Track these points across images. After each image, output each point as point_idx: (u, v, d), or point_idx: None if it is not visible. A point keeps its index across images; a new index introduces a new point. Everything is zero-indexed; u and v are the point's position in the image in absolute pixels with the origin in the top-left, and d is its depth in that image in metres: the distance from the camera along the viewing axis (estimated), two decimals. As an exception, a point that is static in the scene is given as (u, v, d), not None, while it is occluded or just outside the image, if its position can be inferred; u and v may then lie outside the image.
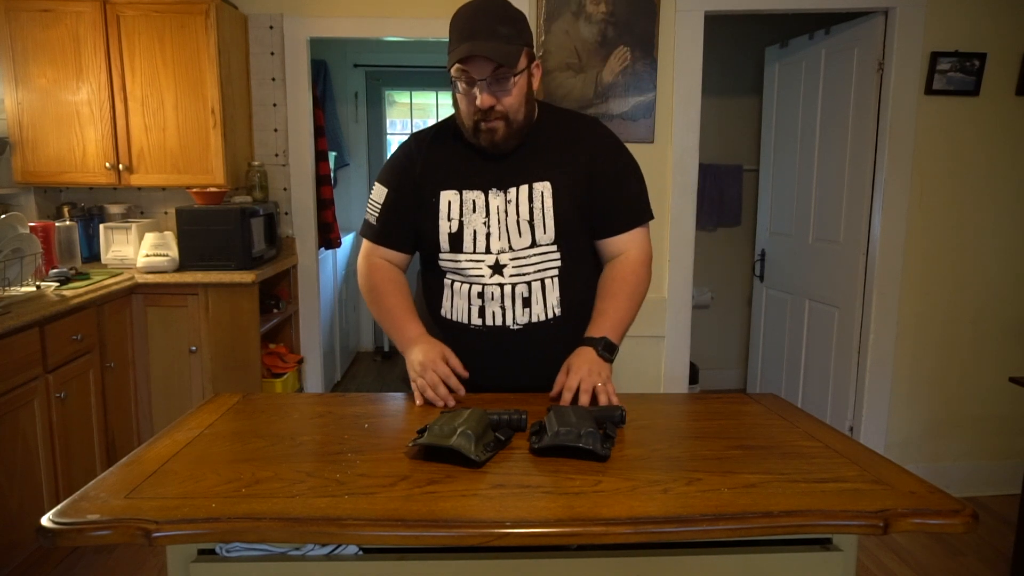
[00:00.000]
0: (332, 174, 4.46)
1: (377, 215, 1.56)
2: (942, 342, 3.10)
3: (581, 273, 1.54)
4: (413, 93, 5.52)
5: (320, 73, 4.90)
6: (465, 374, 1.46)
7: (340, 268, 4.78)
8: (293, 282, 3.56)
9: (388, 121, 5.52)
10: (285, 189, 3.50)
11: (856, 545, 1.06)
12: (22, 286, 2.54)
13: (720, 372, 4.67)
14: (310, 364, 3.63)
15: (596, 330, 1.47)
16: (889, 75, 2.92)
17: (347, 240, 4.98)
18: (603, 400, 1.36)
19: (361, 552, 1.01)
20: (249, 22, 3.37)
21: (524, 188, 1.48)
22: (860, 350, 3.13)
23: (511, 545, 0.95)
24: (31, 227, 2.73)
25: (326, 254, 4.20)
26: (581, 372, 1.39)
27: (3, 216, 2.53)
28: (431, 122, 5.54)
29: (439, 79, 5.37)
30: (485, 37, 1.36)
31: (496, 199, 1.48)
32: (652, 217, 1.58)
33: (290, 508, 0.96)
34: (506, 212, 1.47)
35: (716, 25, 3.35)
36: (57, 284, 2.70)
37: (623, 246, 1.55)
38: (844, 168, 3.18)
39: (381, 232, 1.56)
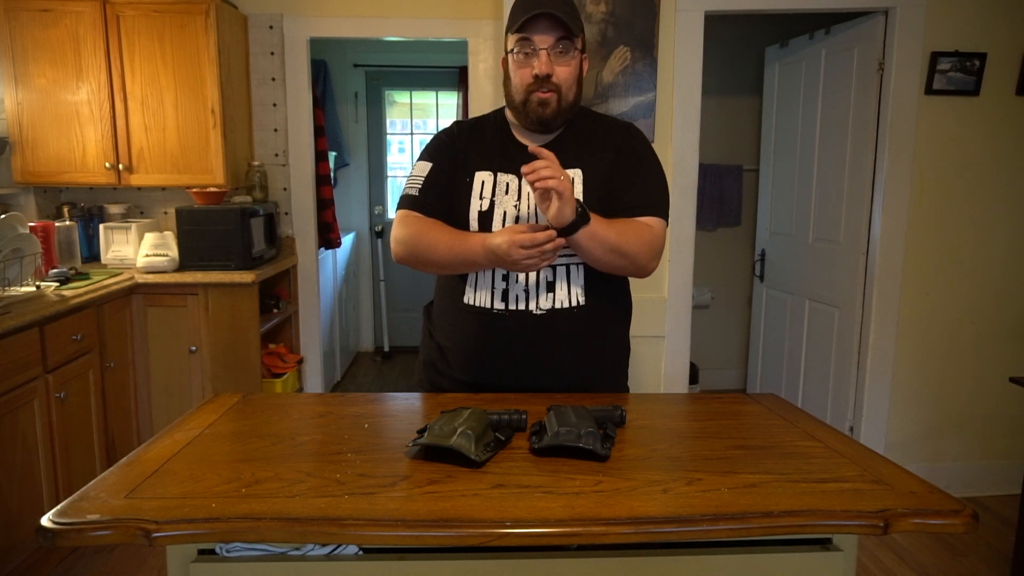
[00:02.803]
0: (332, 174, 4.46)
1: (420, 186, 1.54)
2: (942, 342, 3.10)
3: None
4: (413, 93, 5.52)
5: (320, 73, 4.91)
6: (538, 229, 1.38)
7: (340, 268, 4.78)
8: (293, 282, 3.56)
9: (388, 121, 5.51)
10: (285, 189, 3.50)
11: (856, 545, 1.06)
12: (22, 286, 2.54)
13: (720, 372, 4.67)
14: (310, 364, 3.64)
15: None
16: (889, 75, 2.92)
17: (347, 240, 4.98)
18: (546, 173, 1.30)
19: (361, 552, 1.01)
20: (249, 22, 3.37)
21: None
22: (860, 350, 3.13)
23: (511, 545, 0.95)
24: (31, 227, 2.73)
25: (326, 254, 4.20)
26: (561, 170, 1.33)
27: (3, 216, 2.53)
28: (431, 122, 5.57)
29: (439, 79, 5.37)
30: (552, 7, 1.42)
31: (528, 185, 1.48)
32: (663, 215, 1.54)
33: (290, 508, 0.96)
34: None
35: (716, 25, 3.34)
36: (57, 284, 2.70)
37: None
38: (844, 168, 3.18)
39: (423, 202, 1.53)
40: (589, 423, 1.17)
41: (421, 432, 1.16)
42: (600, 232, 1.39)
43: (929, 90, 2.91)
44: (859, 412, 3.14)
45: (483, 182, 1.51)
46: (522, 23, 1.43)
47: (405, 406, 1.45)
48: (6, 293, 2.46)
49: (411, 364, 5.38)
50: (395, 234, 1.53)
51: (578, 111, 1.57)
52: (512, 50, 1.47)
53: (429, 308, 1.68)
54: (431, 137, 1.64)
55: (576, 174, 1.49)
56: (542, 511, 0.96)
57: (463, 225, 1.51)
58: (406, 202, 1.54)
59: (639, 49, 2.88)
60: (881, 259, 3.01)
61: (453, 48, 4.66)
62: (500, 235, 1.37)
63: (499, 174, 1.51)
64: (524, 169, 1.32)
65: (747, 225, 4.50)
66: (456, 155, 1.55)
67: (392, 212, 5.57)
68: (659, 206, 1.53)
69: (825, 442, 1.24)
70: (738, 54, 4.34)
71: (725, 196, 4.46)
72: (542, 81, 1.44)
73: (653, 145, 3.13)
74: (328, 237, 4.15)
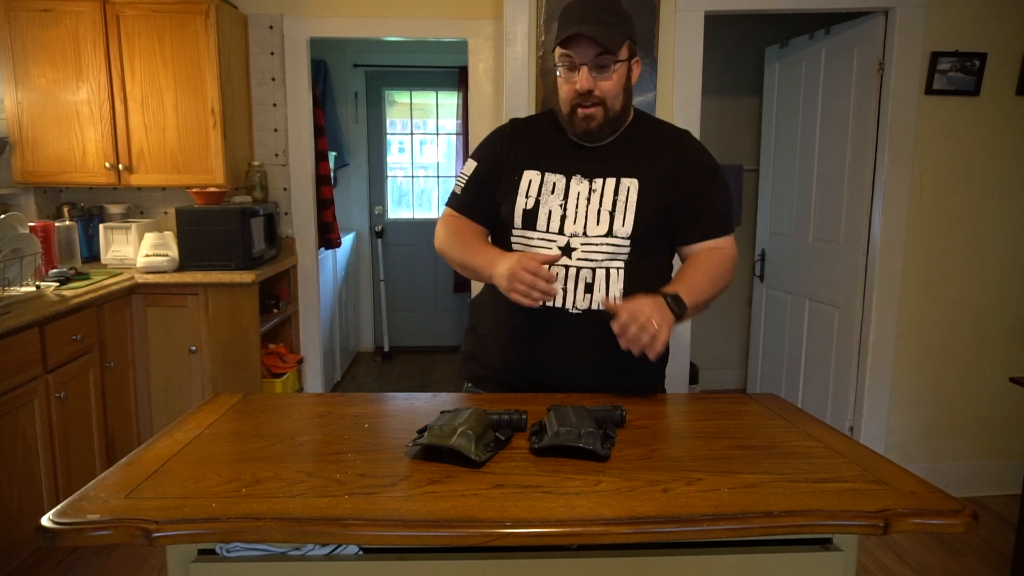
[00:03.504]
0: (332, 174, 4.46)
1: (464, 186, 1.61)
2: (942, 342, 3.10)
3: (648, 274, 1.53)
4: (413, 93, 5.52)
5: (320, 73, 4.90)
6: (552, 264, 1.43)
7: (340, 268, 4.78)
8: (293, 282, 3.56)
9: (388, 121, 5.52)
10: (285, 189, 3.50)
11: (856, 545, 1.06)
12: (22, 286, 2.54)
13: (720, 372, 4.67)
14: (310, 364, 3.64)
15: (670, 288, 1.42)
16: (889, 75, 2.92)
17: (347, 240, 4.99)
18: (646, 340, 1.31)
19: (361, 552, 1.01)
20: (249, 22, 3.37)
21: (611, 181, 1.51)
22: (860, 350, 3.13)
23: (511, 545, 0.95)
24: (31, 227, 2.73)
25: (326, 254, 4.20)
26: (644, 307, 1.33)
27: (3, 216, 2.53)
28: (431, 122, 5.57)
29: (439, 79, 5.37)
30: (591, 23, 1.42)
31: (579, 186, 1.51)
32: (733, 228, 1.57)
33: (290, 508, 0.96)
34: (588, 199, 1.50)
35: (716, 25, 3.35)
36: (57, 284, 2.70)
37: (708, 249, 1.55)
38: (844, 168, 3.18)
39: (465, 202, 1.60)
40: (589, 423, 1.17)
41: (421, 432, 1.16)
42: (698, 301, 1.43)
43: (929, 90, 2.91)
44: (859, 412, 3.14)
45: (530, 181, 1.54)
46: (563, 40, 1.45)
47: (405, 406, 1.45)
48: (6, 293, 2.46)
49: (411, 364, 5.38)
50: (438, 229, 1.62)
51: (634, 117, 1.58)
52: (556, 64, 1.49)
53: (474, 301, 1.72)
54: (488, 134, 1.66)
55: (632, 184, 1.50)
56: (542, 511, 0.96)
57: (508, 223, 1.54)
58: (452, 201, 1.63)
59: (639, 49, 2.88)
60: (881, 259, 3.01)
61: (453, 48, 4.66)
62: (504, 262, 1.39)
63: (547, 174, 1.53)
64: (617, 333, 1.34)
65: (747, 225, 4.50)
66: (505, 154, 1.58)
67: (392, 213, 5.59)
68: (729, 223, 1.57)
69: (825, 442, 1.24)
70: (738, 54, 4.33)
71: (725, 196, 4.46)
72: (584, 96, 1.46)
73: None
74: (328, 237, 4.15)
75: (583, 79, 1.44)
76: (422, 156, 5.65)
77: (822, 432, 1.29)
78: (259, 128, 3.45)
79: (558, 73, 1.50)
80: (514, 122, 1.66)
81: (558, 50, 1.47)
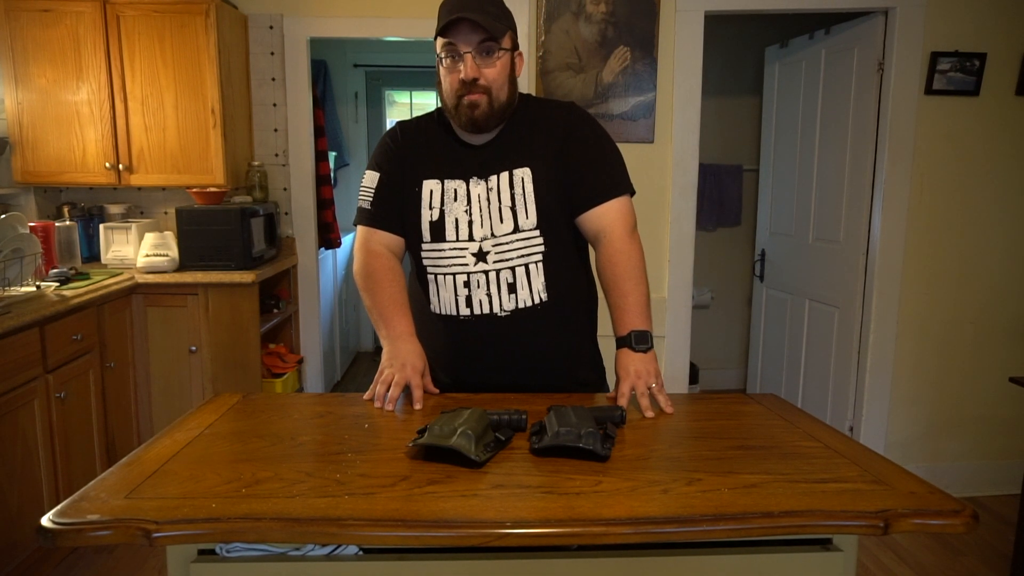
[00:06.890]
0: (332, 174, 4.46)
1: (371, 199, 1.56)
2: (942, 342, 3.10)
3: (565, 259, 1.54)
4: (413, 93, 5.52)
5: (320, 73, 4.90)
6: (435, 391, 1.49)
7: (340, 268, 4.78)
8: (293, 282, 3.56)
9: (388, 121, 5.51)
10: (285, 189, 3.49)
11: (856, 545, 1.06)
12: (22, 286, 2.54)
13: (720, 372, 4.67)
14: (310, 364, 3.63)
15: (621, 327, 1.46)
16: (889, 75, 2.92)
17: (347, 240, 4.98)
18: (661, 401, 1.39)
19: (361, 552, 1.01)
20: (249, 22, 3.36)
21: (504, 175, 1.49)
22: (860, 350, 3.13)
23: (511, 545, 0.95)
24: (31, 227, 2.73)
25: (326, 254, 4.20)
26: (629, 378, 1.40)
27: (3, 216, 2.53)
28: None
29: (439, 79, 5.36)
30: (472, 10, 1.41)
31: (477, 187, 1.49)
32: (633, 191, 1.54)
33: (290, 508, 0.96)
34: (488, 200, 1.48)
35: (716, 25, 3.35)
36: (57, 284, 2.70)
37: (604, 220, 1.50)
38: (844, 168, 3.18)
39: (376, 215, 1.55)
40: (589, 423, 1.17)
41: (421, 432, 1.16)
42: (641, 308, 1.46)
43: (929, 90, 2.92)
44: (859, 412, 3.14)
45: (431, 191, 1.51)
46: (444, 28, 1.43)
47: (405, 406, 1.45)
48: (6, 293, 2.46)
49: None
50: (355, 254, 1.58)
51: (519, 102, 1.55)
52: (440, 55, 1.47)
53: None
54: (378, 142, 1.62)
55: (525, 173, 1.48)
56: (542, 511, 0.96)
57: (416, 237, 1.52)
58: (361, 216, 1.57)
59: (639, 49, 2.88)
60: (881, 259, 3.01)
61: (453, 48, 4.65)
62: (404, 350, 1.44)
63: (446, 181, 1.51)
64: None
65: (747, 225, 4.50)
66: (403, 161, 1.55)
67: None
68: (621, 183, 1.53)
69: (825, 442, 1.24)
70: (738, 54, 4.34)
71: (725, 196, 4.46)
72: (470, 85, 1.44)
73: (653, 145, 3.16)
74: (328, 237, 4.15)
75: (468, 67, 1.42)
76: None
77: (822, 432, 1.29)
78: (259, 128, 3.45)
79: (441, 67, 1.48)
80: (402, 127, 1.61)
81: (440, 41, 1.45)
